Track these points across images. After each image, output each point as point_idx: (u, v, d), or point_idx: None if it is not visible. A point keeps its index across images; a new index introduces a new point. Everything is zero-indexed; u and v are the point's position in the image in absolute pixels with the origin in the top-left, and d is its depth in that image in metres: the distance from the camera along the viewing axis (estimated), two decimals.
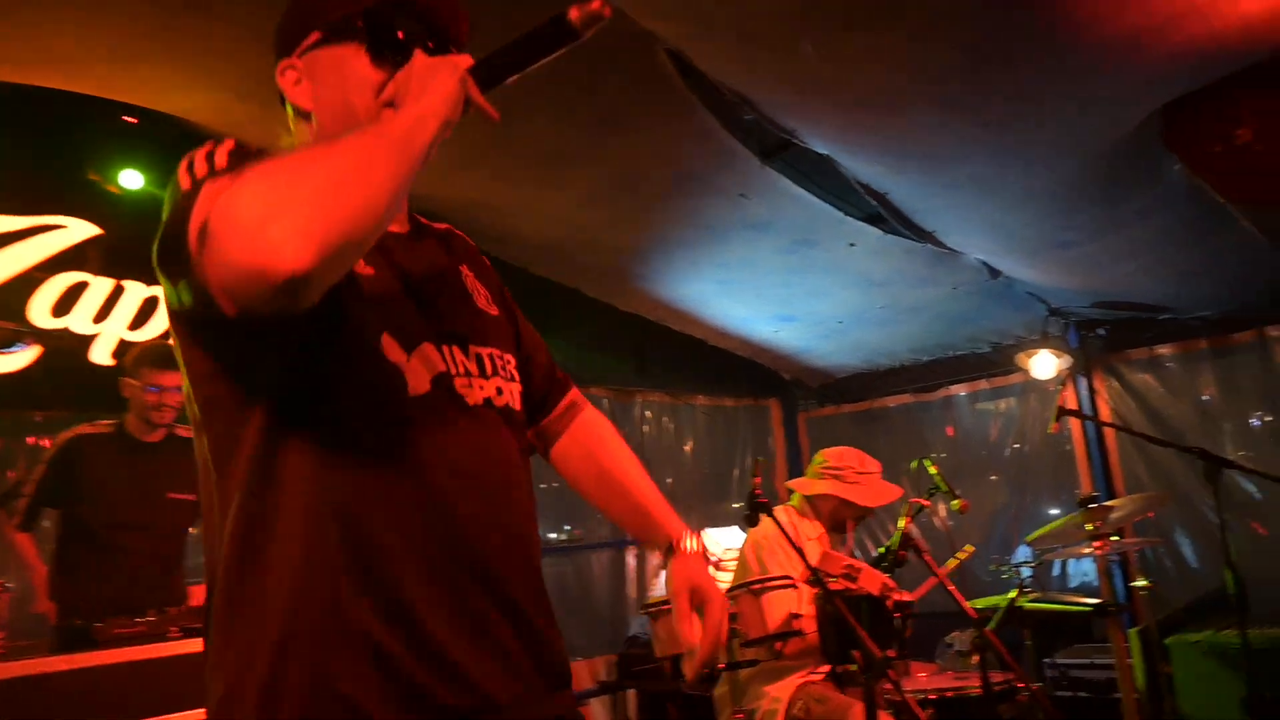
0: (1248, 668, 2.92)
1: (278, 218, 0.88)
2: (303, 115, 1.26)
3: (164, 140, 3.91)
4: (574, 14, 1.08)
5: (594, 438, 1.50)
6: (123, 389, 3.42)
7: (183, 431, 3.60)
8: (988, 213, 4.38)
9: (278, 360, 1.07)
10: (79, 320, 3.77)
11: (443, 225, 1.39)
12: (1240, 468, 3.37)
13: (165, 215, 1.01)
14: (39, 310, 3.67)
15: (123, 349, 3.76)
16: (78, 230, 3.74)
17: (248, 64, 3.51)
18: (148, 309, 3.98)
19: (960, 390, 6.52)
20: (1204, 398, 5.44)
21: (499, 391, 1.23)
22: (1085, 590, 5.63)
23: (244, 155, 1.01)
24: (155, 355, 3.44)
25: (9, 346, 3.56)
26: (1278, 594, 3.97)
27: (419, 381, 1.14)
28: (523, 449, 1.28)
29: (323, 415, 1.08)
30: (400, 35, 1.17)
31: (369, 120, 1.15)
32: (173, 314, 1.11)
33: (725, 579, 3.57)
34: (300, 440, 1.07)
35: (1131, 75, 3.16)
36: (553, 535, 5.95)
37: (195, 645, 2.68)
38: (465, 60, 1.10)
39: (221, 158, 1.01)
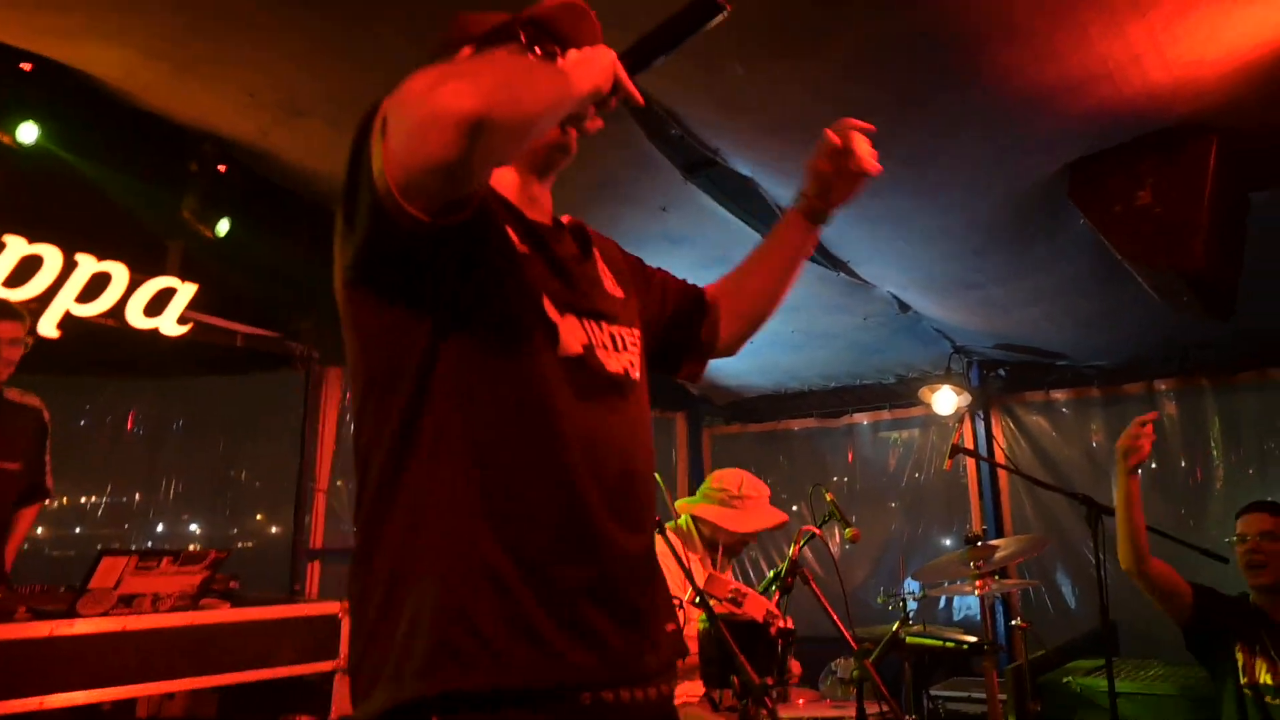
0: (1112, 709, 3.01)
1: (453, 78, 0.97)
2: None
3: (64, 91, 3.71)
4: None
5: (730, 282, 1.68)
6: None
7: (11, 395, 3.50)
8: (901, 248, 4.47)
9: (447, 297, 1.14)
10: None
11: (572, 219, 1.47)
12: None
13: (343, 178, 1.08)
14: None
15: (69, 321, 3.71)
16: None
17: (156, 22, 3.39)
18: (26, 268, 3.80)
19: (863, 418, 6.64)
20: (1093, 444, 5.64)
21: (632, 364, 1.32)
22: (968, 625, 5.77)
23: None
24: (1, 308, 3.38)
25: None
26: (1151, 636, 4.13)
27: (572, 342, 1.22)
28: (648, 419, 1.35)
29: (482, 362, 1.14)
30: (555, 45, 1.31)
31: None
32: (347, 278, 1.15)
33: None
34: (457, 387, 1.13)
35: (1045, 129, 3.25)
36: None
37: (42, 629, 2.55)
38: (613, 51, 1.21)
39: None
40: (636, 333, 1.38)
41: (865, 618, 4.69)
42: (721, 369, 6.63)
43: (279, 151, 4.23)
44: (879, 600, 4.52)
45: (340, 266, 1.15)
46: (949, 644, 4.04)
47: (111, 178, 4.06)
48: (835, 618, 2.98)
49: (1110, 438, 5.55)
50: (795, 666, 3.29)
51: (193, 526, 5.77)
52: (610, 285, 1.41)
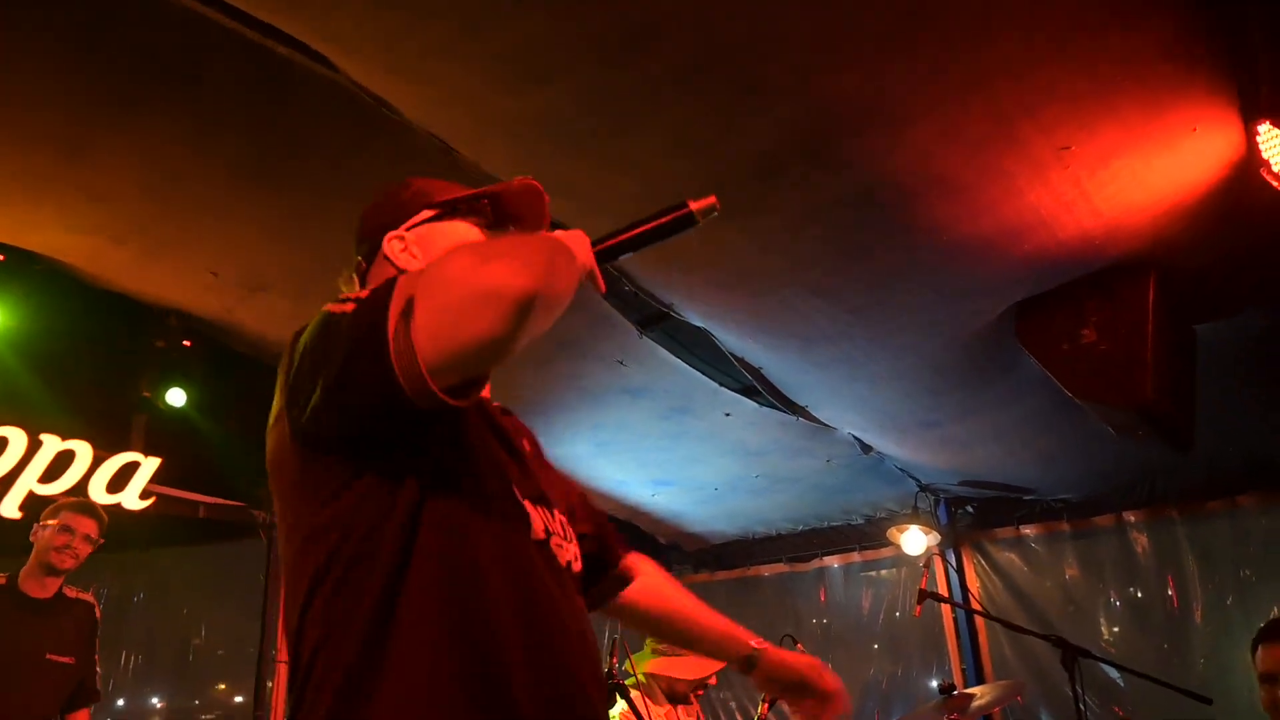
0: None
1: (500, 257, 0.99)
2: None
3: (34, 277, 3.92)
4: (694, 205, 1.28)
5: (658, 577, 1.61)
6: (32, 533, 3.44)
7: (70, 593, 3.59)
8: (857, 391, 4.50)
9: (428, 470, 1.11)
10: None
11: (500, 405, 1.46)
12: (1095, 657, 3.39)
13: (320, 345, 1.07)
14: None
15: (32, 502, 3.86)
16: None
17: (127, 212, 3.54)
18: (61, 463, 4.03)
19: (834, 561, 6.51)
20: (1067, 577, 5.55)
21: (575, 559, 1.30)
22: None
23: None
24: (76, 504, 3.59)
25: None
26: None
27: (539, 527, 1.21)
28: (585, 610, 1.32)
29: (459, 542, 1.10)
30: (513, 222, 1.37)
31: None
32: (316, 442, 1.10)
33: None
34: (443, 565, 1.08)
35: (985, 274, 3.34)
36: None
37: None
38: (586, 242, 1.24)
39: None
40: (571, 526, 1.35)
41: None
42: (686, 515, 6.53)
43: (241, 325, 4.31)
44: None
45: (302, 430, 1.09)
46: None
47: (77, 357, 4.19)
48: None
49: (1084, 571, 5.47)
50: None
51: (154, 700, 5.73)
52: (551, 473, 1.41)
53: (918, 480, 5.70)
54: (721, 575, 7.02)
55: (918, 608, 3.61)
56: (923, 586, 3.64)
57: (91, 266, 3.95)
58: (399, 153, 3.17)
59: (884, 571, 6.32)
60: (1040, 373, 3.69)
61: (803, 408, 4.73)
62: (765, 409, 4.79)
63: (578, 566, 1.30)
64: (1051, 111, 2.54)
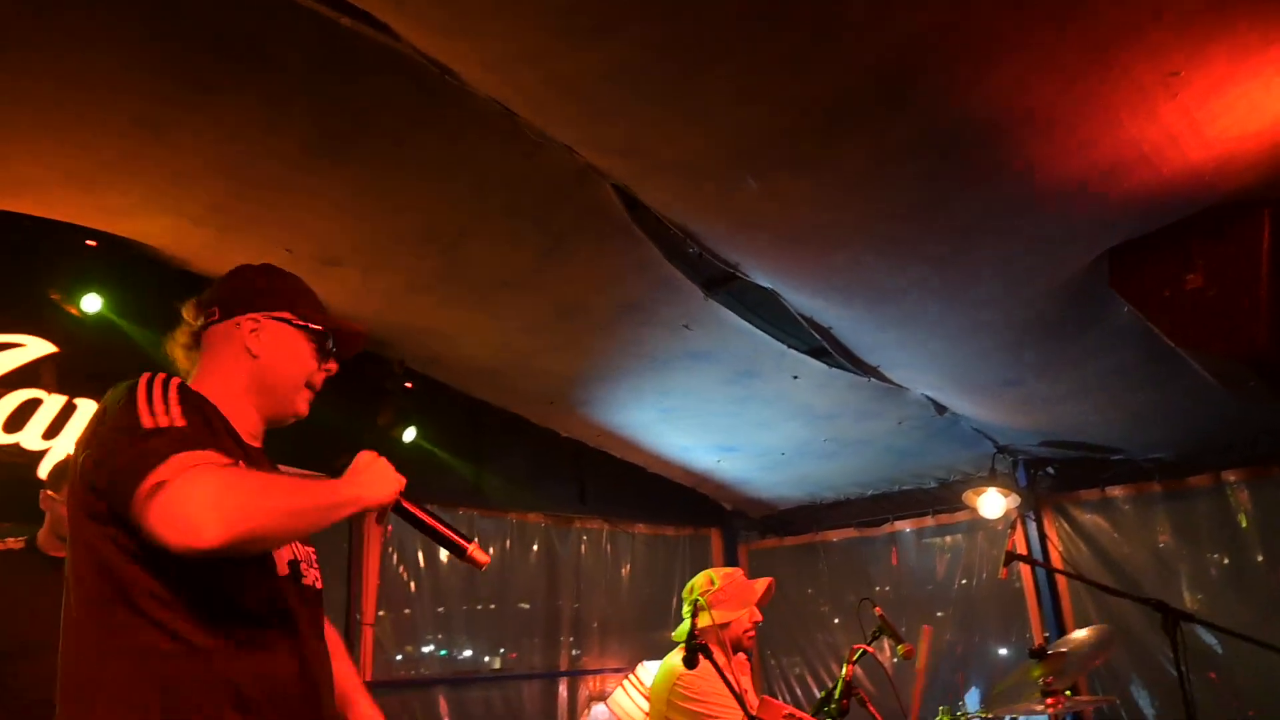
0: None
1: (212, 509, 1.27)
2: (250, 355, 1.65)
3: (122, 263, 4.03)
4: (470, 552, 1.64)
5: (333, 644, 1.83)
6: (41, 501, 3.33)
7: None
8: (933, 349, 4.30)
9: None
10: (30, 436, 3.80)
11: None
12: (1201, 622, 3.19)
13: (118, 441, 1.38)
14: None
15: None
16: (35, 348, 3.84)
17: (204, 193, 3.62)
18: None
19: (905, 526, 6.34)
20: (1159, 542, 5.29)
21: (318, 580, 1.67)
22: None
23: (188, 397, 1.47)
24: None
25: None
26: None
27: (281, 565, 1.55)
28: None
29: (215, 583, 1.41)
30: (333, 356, 1.72)
31: (291, 390, 1.70)
32: (100, 518, 1.40)
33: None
34: (187, 601, 1.39)
35: (1078, 219, 3.13)
36: (487, 659, 5.77)
37: None
38: (402, 482, 1.59)
39: (175, 405, 1.43)
40: (314, 552, 1.68)
41: None
42: (752, 481, 6.42)
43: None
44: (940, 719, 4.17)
45: (94, 501, 1.39)
46: None
47: (161, 338, 4.17)
48: None
49: (1178, 535, 5.21)
50: None
51: None
52: None
53: (995, 441, 5.48)
54: (789, 541, 6.92)
55: (1003, 570, 3.44)
56: (1009, 548, 3.46)
57: (174, 248, 4.04)
58: (462, 122, 3.15)
59: (958, 536, 6.14)
60: (1134, 323, 3.47)
61: (874, 368, 4.55)
62: (834, 371, 4.64)
63: (319, 586, 1.66)
64: (1158, 35, 2.32)
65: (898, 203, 3.22)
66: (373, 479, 1.54)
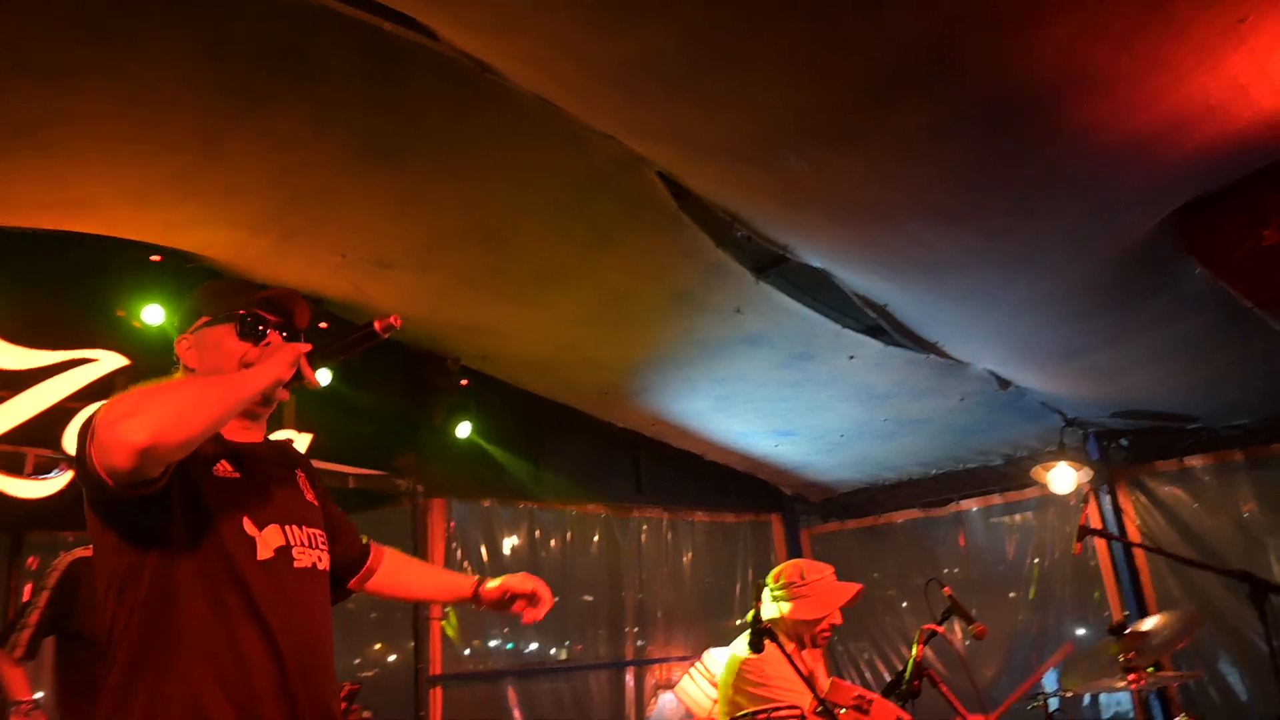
0: None
1: (131, 416, 1.42)
2: (190, 370, 1.78)
3: (185, 276, 4.11)
4: (377, 325, 1.66)
5: (397, 562, 2.07)
6: None
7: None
8: (994, 322, 4.19)
9: (159, 531, 1.58)
10: None
11: (283, 439, 1.98)
12: None
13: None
14: (71, 438, 3.72)
15: None
16: (108, 362, 3.93)
17: (259, 203, 3.71)
18: None
19: (972, 505, 6.20)
20: (1243, 513, 5.07)
21: (320, 559, 1.77)
22: None
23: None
24: None
25: (46, 472, 3.82)
26: None
27: (265, 550, 1.65)
28: (327, 600, 1.80)
29: (197, 570, 1.58)
30: (260, 325, 1.76)
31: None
32: (88, 505, 1.60)
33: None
34: (178, 587, 1.56)
35: (1140, 179, 3.00)
36: (553, 651, 5.85)
37: None
38: (305, 346, 1.66)
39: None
40: (324, 535, 1.80)
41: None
42: (811, 464, 6.34)
43: (371, 303, 4.41)
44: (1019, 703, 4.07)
45: (93, 515, 1.60)
46: None
47: None
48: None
49: (1264, 505, 4.99)
50: None
51: None
52: (309, 495, 1.83)
53: (1063, 414, 5.33)
54: (851, 524, 6.82)
55: (1077, 545, 3.33)
56: (1083, 523, 3.36)
57: (234, 260, 4.13)
58: (505, 118, 3.15)
59: (1028, 514, 5.98)
60: (1206, 285, 3.33)
61: (933, 344, 4.45)
62: (891, 349, 4.55)
63: (322, 566, 1.76)
64: None
65: (952, 174, 3.12)
66: (270, 358, 1.62)
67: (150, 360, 4.03)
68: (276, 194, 3.62)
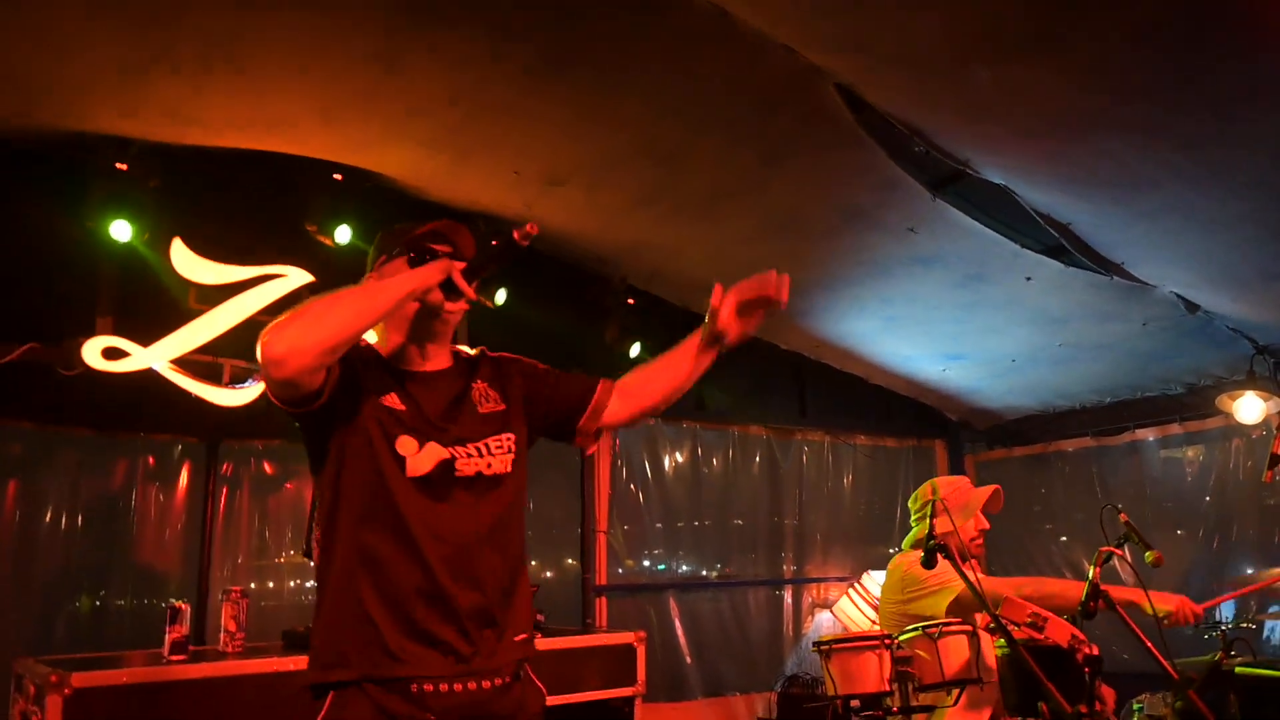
0: None
1: (273, 331, 1.62)
2: None
3: (366, 194, 4.25)
4: (516, 234, 1.74)
5: (629, 383, 2.10)
6: None
7: None
8: (1187, 242, 4.05)
9: (326, 451, 1.80)
10: None
11: (474, 351, 2.03)
12: None
13: None
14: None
15: None
16: (296, 278, 4.07)
17: (438, 120, 3.80)
18: None
19: (1149, 434, 6.02)
20: None
21: (490, 465, 1.84)
22: None
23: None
24: None
25: (241, 383, 4.00)
26: None
27: (418, 467, 1.77)
28: (504, 500, 1.86)
29: (356, 484, 1.77)
30: (427, 255, 1.87)
31: (408, 311, 1.87)
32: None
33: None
34: (345, 500, 1.77)
35: None
36: (705, 572, 6.03)
37: None
38: (459, 265, 1.79)
39: None
40: (509, 437, 1.89)
41: (1172, 649, 4.18)
42: (979, 390, 6.29)
43: (541, 221, 4.50)
44: (1189, 629, 4.03)
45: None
46: None
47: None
48: (1151, 646, 2.72)
49: None
50: (1108, 694, 3.02)
51: None
52: (486, 408, 1.91)
53: (1254, 341, 5.08)
54: (1018, 451, 6.75)
55: (1268, 473, 3.27)
56: (1276, 450, 3.28)
57: (411, 178, 4.29)
58: (678, 31, 3.19)
59: (1210, 444, 5.77)
60: None
61: (1118, 265, 4.35)
62: (1072, 270, 4.46)
63: (492, 470, 1.83)
64: None
65: (1148, 83, 3.05)
66: (420, 268, 1.79)
67: (334, 277, 4.31)
68: (452, 112, 3.69)
